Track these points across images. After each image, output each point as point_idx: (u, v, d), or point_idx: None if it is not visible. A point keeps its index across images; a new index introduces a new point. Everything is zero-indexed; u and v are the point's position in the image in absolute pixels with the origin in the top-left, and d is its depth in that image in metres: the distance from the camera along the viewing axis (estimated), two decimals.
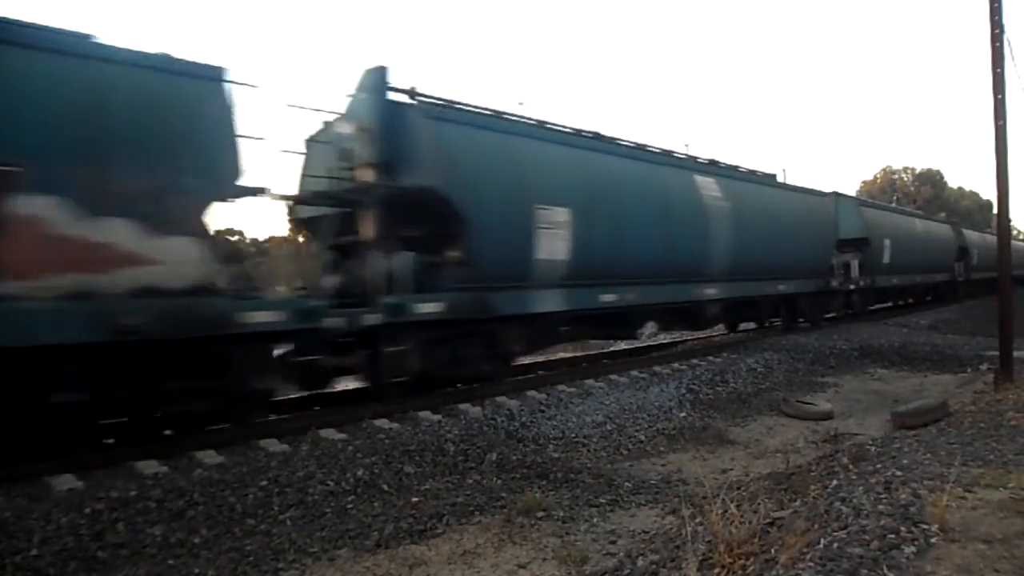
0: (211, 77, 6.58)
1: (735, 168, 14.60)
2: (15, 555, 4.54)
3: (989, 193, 38.50)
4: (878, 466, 4.80)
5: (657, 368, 11.28)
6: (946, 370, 12.63)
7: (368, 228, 8.26)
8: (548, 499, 5.70)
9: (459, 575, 4.57)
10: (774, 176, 16.65)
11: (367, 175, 8.25)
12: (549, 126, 10.15)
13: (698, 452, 7.58)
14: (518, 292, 8.99)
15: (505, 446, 7.10)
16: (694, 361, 12.06)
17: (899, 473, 4.37)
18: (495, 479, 6.31)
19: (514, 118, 9.68)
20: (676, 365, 11.67)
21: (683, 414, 9.05)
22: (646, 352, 13.89)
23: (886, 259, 20.28)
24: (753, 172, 15.50)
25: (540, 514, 5.37)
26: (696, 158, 13.53)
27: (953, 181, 74.69)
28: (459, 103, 9.03)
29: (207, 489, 5.51)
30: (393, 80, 8.53)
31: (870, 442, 6.30)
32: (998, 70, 9.19)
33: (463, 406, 8.24)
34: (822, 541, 3.32)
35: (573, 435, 7.81)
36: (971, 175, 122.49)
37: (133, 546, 4.81)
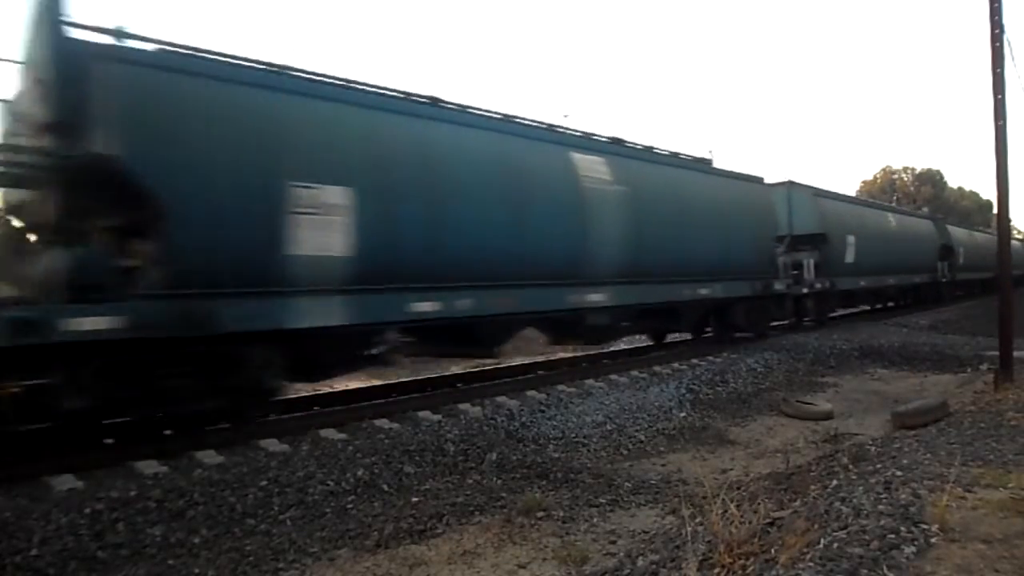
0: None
1: (641, 148, 12.02)
2: (15, 555, 4.54)
3: (989, 193, 36.15)
4: (878, 466, 4.80)
5: (657, 368, 11.27)
6: (946, 370, 12.63)
7: (45, 213, 6.27)
8: (548, 499, 5.70)
9: (459, 575, 4.57)
10: (708, 161, 14.14)
11: (42, 141, 6.18)
12: (319, 79, 7.59)
13: (698, 452, 7.58)
14: (262, 301, 6.54)
15: (505, 446, 7.10)
16: (694, 361, 12.05)
17: (899, 473, 4.37)
18: (495, 479, 6.31)
19: (263, 67, 7.17)
20: (676, 365, 11.67)
21: (683, 414, 9.05)
22: (646, 352, 13.85)
23: (850, 258, 18.24)
24: (676, 155, 12.98)
25: (540, 514, 5.37)
26: (591, 135, 11.02)
27: (953, 181, 74.81)
28: (180, 45, 6.73)
29: (207, 489, 5.51)
30: (78, 11, 7.00)
31: (870, 442, 6.30)
32: (998, 70, 9.19)
33: (463, 406, 8.24)
34: (822, 541, 3.32)
35: (573, 435, 7.81)
36: (971, 175, 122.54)
37: (133, 546, 4.81)
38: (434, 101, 8.69)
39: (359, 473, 6.14)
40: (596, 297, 10.12)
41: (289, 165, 6.69)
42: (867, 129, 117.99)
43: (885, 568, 2.97)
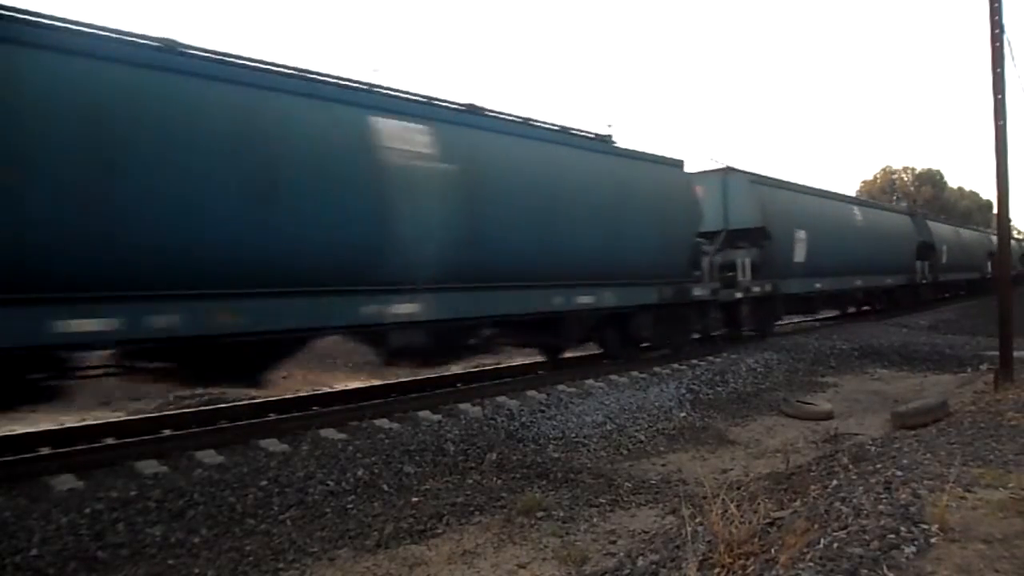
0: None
1: (499, 117, 9.32)
2: (15, 555, 4.54)
3: (989, 193, 35.45)
4: (878, 466, 4.80)
5: (657, 368, 11.27)
6: (946, 370, 12.64)
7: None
8: (548, 499, 5.70)
9: (459, 575, 4.57)
10: (606, 138, 11.26)
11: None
12: None
13: (698, 452, 7.58)
14: None
15: (505, 446, 7.11)
16: (694, 361, 12.05)
17: (899, 473, 4.37)
18: (495, 479, 6.31)
19: None
20: (676, 365, 11.66)
21: (683, 414, 9.05)
22: (646, 352, 13.81)
23: (800, 257, 15.75)
24: (563, 129, 10.30)
25: (540, 514, 5.38)
26: (411, 95, 8.31)
27: (953, 181, 74.86)
28: None
29: (207, 489, 5.51)
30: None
31: (870, 442, 6.30)
32: (998, 70, 9.20)
33: (463, 406, 8.24)
34: (822, 541, 3.32)
35: (573, 435, 7.81)
36: (971, 175, 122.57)
37: (133, 546, 4.81)
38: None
39: (359, 473, 6.14)
40: (406, 309, 7.67)
41: None
42: (867, 129, 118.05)
43: (885, 568, 2.97)
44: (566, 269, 9.66)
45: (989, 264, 32.53)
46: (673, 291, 11.79)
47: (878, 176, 65.07)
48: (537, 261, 9.22)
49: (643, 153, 11.73)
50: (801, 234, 15.79)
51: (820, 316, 19.89)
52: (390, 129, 7.59)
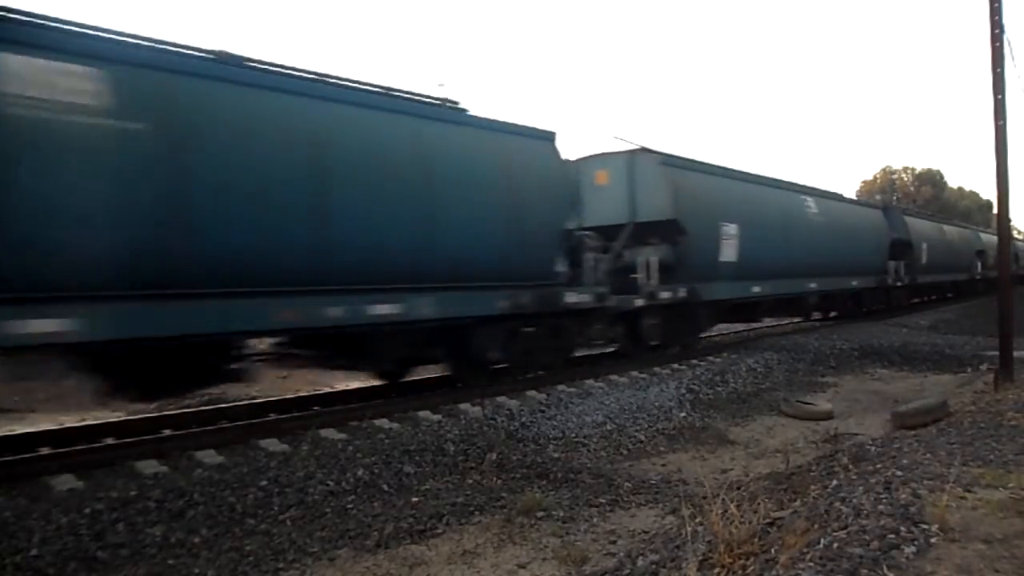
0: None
1: (219, 60, 6.68)
2: (15, 555, 4.54)
3: (989, 193, 33.94)
4: (878, 466, 4.80)
5: (657, 368, 11.27)
6: (946, 370, 12.64)
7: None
8: (548, 499, 5.70)
9: (459, 575, 4.57)
10: (421, 96, 8.48)
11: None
12: None
13: (698, 452, 7.58)
14: None
15: (505, 446, 7.11)
16: (694, 361, 12.05)
17: (899, 473, 4.37)
18: (495, 479, 6.32)
19: None
20: (676, 365, 11.67)
21: (683, 414, 9.05)
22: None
23: (728, 256, 13.04)
24: (340, 82, 7.64)
25: (540, 514, 5.38)
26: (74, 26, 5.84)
27: (953, 181, 74.88)
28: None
29: (207, 489, 5.51)
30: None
31: (870, 442, 6.30)
32: (998, 70, 9.20)
33: (463, 406, 8.24)
34: (822, 541, 3.31)
35: (573, 435, 7.81)
36: (971, 175, 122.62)
37: (133, 546, 4.81)
38: None
39: (359, 473, 6.14)
40: (51, 325, 5.44)
41: None
42: (867, 129, 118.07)
43: (885, 568, 2.97)
44: (344, 270, 7.23)
45: (979, 264, 30.73)
46: (532, 297, 9.16)
47: (878, 176, 65.12)
48: (285, 258, 6.80)
49: (487, 120, 9.03)
50: (730, 228, 12.98)
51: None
52: (23, 69, 5.34)
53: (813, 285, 16.56)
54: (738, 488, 5.18)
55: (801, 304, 17.42)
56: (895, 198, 56.80)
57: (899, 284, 21.80)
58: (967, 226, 34.67)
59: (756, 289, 14.12)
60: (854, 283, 18.70)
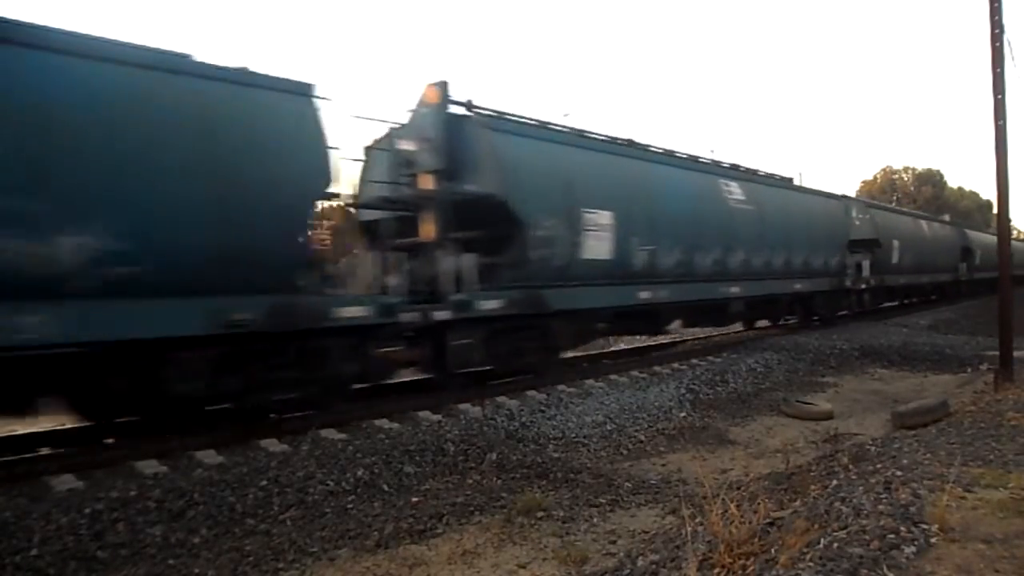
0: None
1: None
2: (15, 555, 4.54)
3: (989, 193, 31.00)
4: (878, 466, 4.80)
5: (657, 368, 11.27)
6: (946, 370, 12.63)
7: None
8: (548, 499, 5.70)
9: (459, 575, 4.56)
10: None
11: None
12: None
13: (698, 452, 7.58)
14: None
15: (505, 446, 7.10)
16: (694, 361, 12.05)
17: (899, 473, 4.37)
18: (495, 479, 6.31)
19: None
20: (676, 365, 11.67)
21: (683, 414, 9.04)
22: (646, 352, 13.82)
23: (593, 253, 10.05)
24: None
25: (540, 514, 5.37)
26: None
27: (953, 181, 74.83)
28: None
29: (207, 489, 5.51)
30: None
31: (870, 442, 6.30)
32: (998, 70, 9.20)
33: (463, 406, 8.24)
34: (822, 541, 3.32)
35: (573, 435, 7.81)
36: (971, 175, 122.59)
37: (133, 546, 4.81)
38: None
39: (359, 473, 6.13)
40: None
41: None
42: (867, 129, 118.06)
43: (885, 568, 2.97)
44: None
45: (964, 265, 28.16)
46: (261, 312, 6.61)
47: (878, 176, 65.09)
48: None
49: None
50: (600, 217, 10.02)
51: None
52: None
53: (735, 289, 13.22)
54: (738, 488, 5.17)
55: (716, 311, 13.62)
56: (895, 198, 56.76)
57: (864, 287, 18.90)
58: (952, 222, 31.78)
59: (645, 295, 10.85)
60: (798, 286, 15.49)
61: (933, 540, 3.23)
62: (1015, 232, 42.89)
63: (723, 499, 3.85)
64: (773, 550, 3.38)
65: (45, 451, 6.50)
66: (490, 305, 8.73)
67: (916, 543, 3.19)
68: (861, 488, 4.15)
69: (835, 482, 4.60)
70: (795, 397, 10.08)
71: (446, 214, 8.79)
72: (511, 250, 9.13)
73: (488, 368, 9.36)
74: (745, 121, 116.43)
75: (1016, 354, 9.29)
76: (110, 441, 6.78)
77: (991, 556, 3.05)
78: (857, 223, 19.02)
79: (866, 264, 19.10)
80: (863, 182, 64.73)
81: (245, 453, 6.37)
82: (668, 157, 12.56)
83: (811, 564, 3.08)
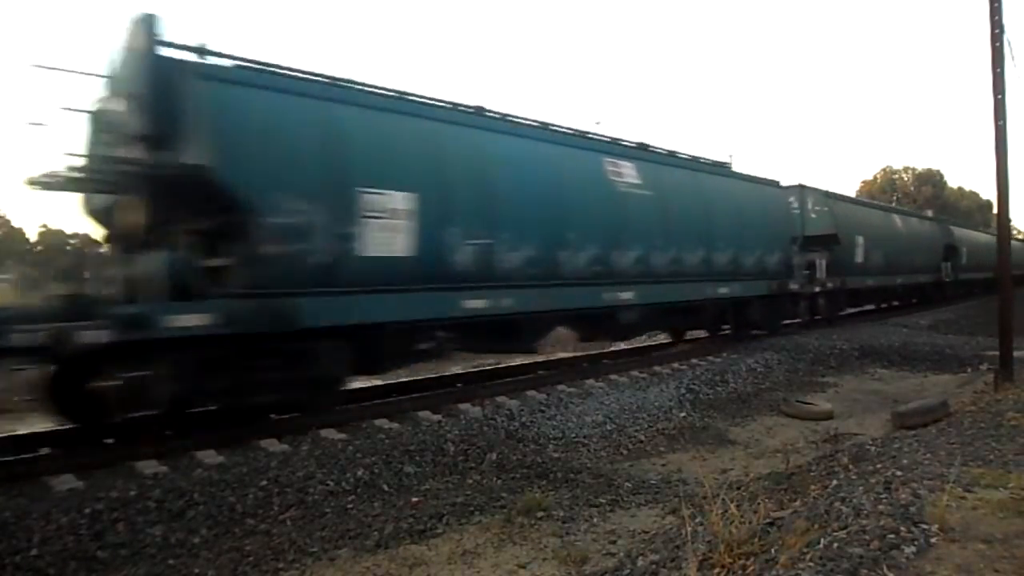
0: None
1: None
2: (15, 555, 4.54)
3: (989, 193, 29.66)
4: (878, 466, 4.80)
5: (657, 368, 11.26)
6: (946, 370, 12.64)
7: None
8: (548, 499, 5.70)
9: (459, 575, 4.57)
10: None
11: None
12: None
13: (698, 452, 7.58)
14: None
15: (505, 446, 7.10)
16: (694, 361, 12.05)
17: (899, 473, 4.37)
18: (495, 479, 6.31)
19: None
20: (676, 365, 11.66)
21: (683, 414, 9.04)
22: (646, 352, 13.81)
23: (379, 245, 7.40)
24: None
25: (540, 514, 5.37)
26: None
27: (953, 181, 74.87)
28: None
29: (207, 489, 5.51)
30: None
31: (870, 442, 6.30)
32: (998, 70, 9.20)
33: (463, 406, 8.24)
34: (822, 541, 3.32)
35: (573, 435, 7.81)
36: (971, 175, 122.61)
37: (133, 546, 4.81)
38: None
39: (359, 473, 6.14)
40: None
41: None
42: (867, 129, 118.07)
43: (885, 568, 2.97)
44: None
45: (949, 264, 25.51)
46: None
47: (878, 176, 65.13)
48: None
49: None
50: (390, 200, 7.50)
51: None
52: None
53: (628, 295, 10.56)
54: (738, 488, 5.18)
55: (612, 322, 10.80)
56: (895, 198, 56.75)
57: (818, 290, 16.37)
58: (935, 218, 29.42)
59: (475, 304, 8.34)
60: (723, 291, 12.76)
61: (933, 540, 3.23)
62: (1015, 232, 42.45)
63: (723, 499, 3.85)
64: (773, 550, 3.38)
65: (45, 451, 6.49)
66: (187, 321, 6.10)
67: (916, 543, 3.19)
68: (861, 488, 4.15)
69: (835, 482, 4.60)
70: (795, 397, 10.08)
71: (154, 196, 6.55)
72: (237, 244, 6.61)
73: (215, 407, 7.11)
74: (744, 121, 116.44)
75: (1016, 354, 9.30)
76: (110, 441, 6.77)
77: (991, 556, 3.05)
78: (813, 216, 16.79)
79: (822, 263, 16.60)
80: (863, 182, 64.82)
81: (245, 453, 6.37)
82: (514, 126, 9.63)
83: (811, 564, 3.08)
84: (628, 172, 10.94)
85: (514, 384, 9.67)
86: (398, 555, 4.80)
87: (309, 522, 5.35)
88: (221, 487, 5.57)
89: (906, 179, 65.40)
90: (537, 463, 6.69)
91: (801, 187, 17.15)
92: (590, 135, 10.99)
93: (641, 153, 11.74)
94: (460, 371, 11.29)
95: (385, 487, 6.05)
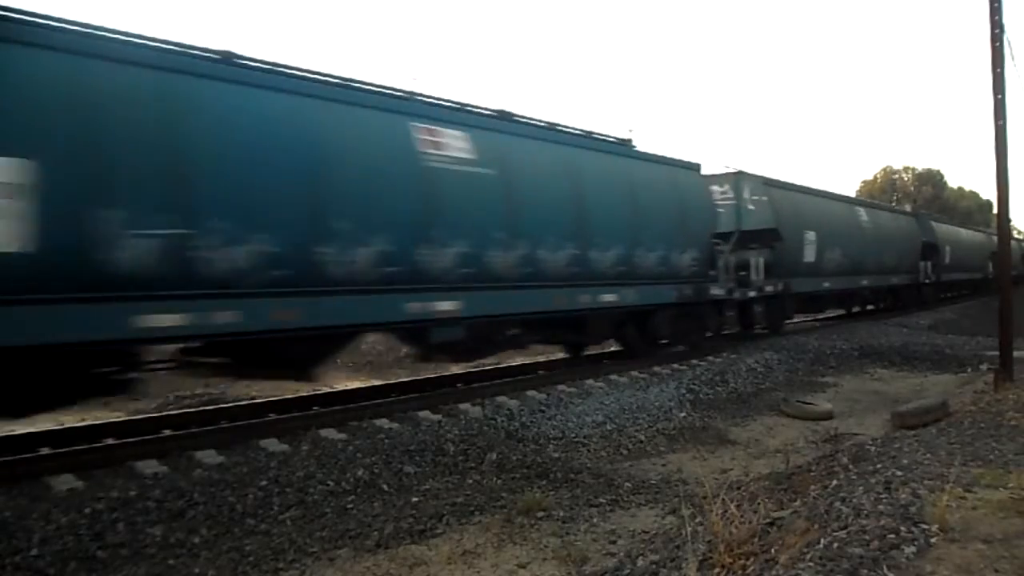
0: None
1: None
2: (15, 555, 4.53)
3: (989, 193, 30.34)
4: (878, 466, 4.80)
5: (657, 368, 11.26)
6: (946, 370, 12.64)
7: None
8: (548, 499, 5.70)
9: (459, 575, 4.57)
10: None
11: None
12: None
13: (698, 452, 7.58)
14: None
15: (505, 446, 7.10)
16: (694, 361, 12.04)
17: (899, 473, 4.37)
18: (495, 479, 6.31)
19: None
20: (676, 365, 11.66)
21: (683, 414, 9.04)
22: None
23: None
24: None
25: (540, 514, 5.37)
26: None
27: (953, 181, 74.87)
28: None
29: (207, 489, 5.51)
30: None
31: (870, 442, 6.29)
32: (998, 70, 9.19)
33: (463, 406, 8.24)
34: (822, 541, 3.32)
35: (573, 435, 7.81)
36: (971, 175, 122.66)
37: (133, 546, 4.81)
38: None
39: (359, 473, 6.13)
40: None
41: None
42: (867, 129, 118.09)
43: (885, 568, 2.97)
44: None
45: (929, 264, 23.54)
46: None
47: (878, 176, 65.11)
48: None
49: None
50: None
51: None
52: None
53: (447, 306, 8.08)
54: (738, 488, 5.17)
55: (421, 341, 8.56)
56: (895, 198, 56.73)
57: (753, 295, 13.83)
58: (912, 212, 26.77)
59: (161, 322, 5.92)
60: (608, 298, 10.26)
61: (933, 540, 3.23)
62: (1014, 231, 42.21)
63: (723, 499, 3.85)
64: (773, 550, 3.38)
65: (45, 451, 6.49)
66: None
67: (916, 543, 3.19)
68: (861, 488, 4.15)
69: (835, 482, 4.60)
70: (795, 397, 10.08)
71: None
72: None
73: None
74: (744, 121, 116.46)
75: (1016, 354, 9.29)
76: (110, 441, 6.78)
77: (991, 556, 3.05)
78: (750, 208, 14.26)
79: (759, 263, 14.12)
80: (863, 182, 64.79)
81: (245, 453, 6.37)
82: (238, 70, 6.77)
83: (811, 564, 3.08)
84: (454, 143, 8.29)
85: (514, 384, 9.67)
86: (398, 555, 4.80)
87: (309, 522, 5.34)
88: (221, 487, 5.57)
89: (906, 179, 65.36)
90: (537, 463, 6.69)
91: (739, 174, 14.78)
92: (388, 91, 8.12)
93: (478, 119, 9.00)
94: (459, 371, 11.27)
95: (385, 487, 6.04)
